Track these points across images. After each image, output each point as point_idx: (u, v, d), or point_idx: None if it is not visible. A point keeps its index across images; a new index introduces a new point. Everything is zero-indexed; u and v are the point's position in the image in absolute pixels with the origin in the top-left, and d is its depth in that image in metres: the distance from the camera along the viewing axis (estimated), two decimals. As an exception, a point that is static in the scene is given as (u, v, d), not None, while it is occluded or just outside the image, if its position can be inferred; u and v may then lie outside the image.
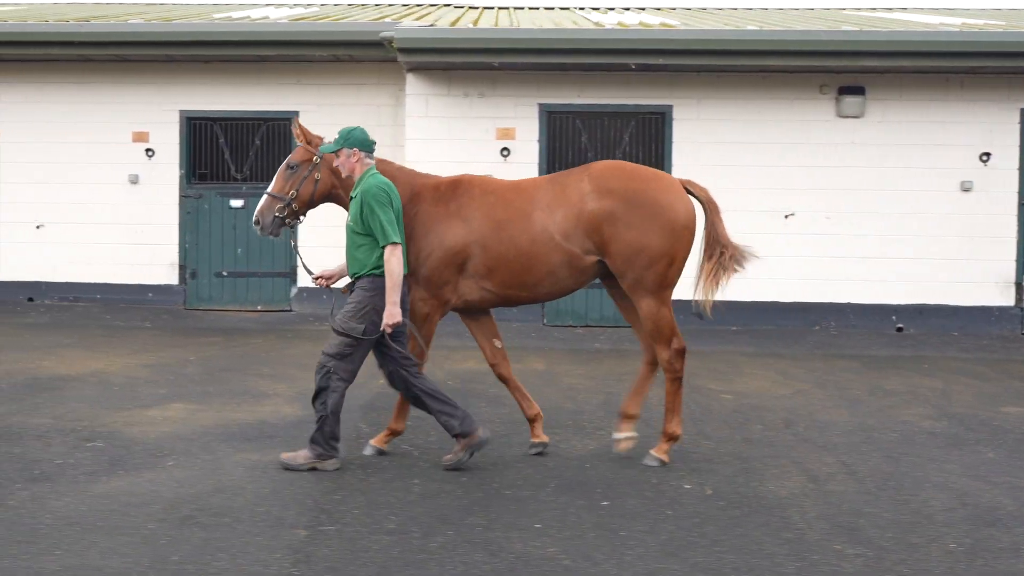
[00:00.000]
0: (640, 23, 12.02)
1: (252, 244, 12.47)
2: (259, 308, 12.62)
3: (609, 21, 12.61)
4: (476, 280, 5.91)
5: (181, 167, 12.63)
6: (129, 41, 11.86)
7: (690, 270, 6.02)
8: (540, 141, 11.53)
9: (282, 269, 12.54)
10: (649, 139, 11.59)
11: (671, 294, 5.90)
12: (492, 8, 15.93)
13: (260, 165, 12.63)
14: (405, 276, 5.62)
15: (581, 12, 15.25)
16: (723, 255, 6.01)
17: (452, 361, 9.53)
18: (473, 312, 6.18)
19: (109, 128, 12.61)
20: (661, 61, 10.64)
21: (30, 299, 12.75)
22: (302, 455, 5.68)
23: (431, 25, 11.12)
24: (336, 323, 5.62)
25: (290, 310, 12.64)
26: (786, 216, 11.42)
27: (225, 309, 12.63)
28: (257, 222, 5.98)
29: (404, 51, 10.64)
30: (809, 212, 11.43)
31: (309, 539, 4.53)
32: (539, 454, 6.12)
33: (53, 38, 11.77)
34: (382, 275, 5.55)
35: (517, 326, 11.45)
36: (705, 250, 6.06)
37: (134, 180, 12.58)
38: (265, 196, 5.99)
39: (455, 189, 6.00)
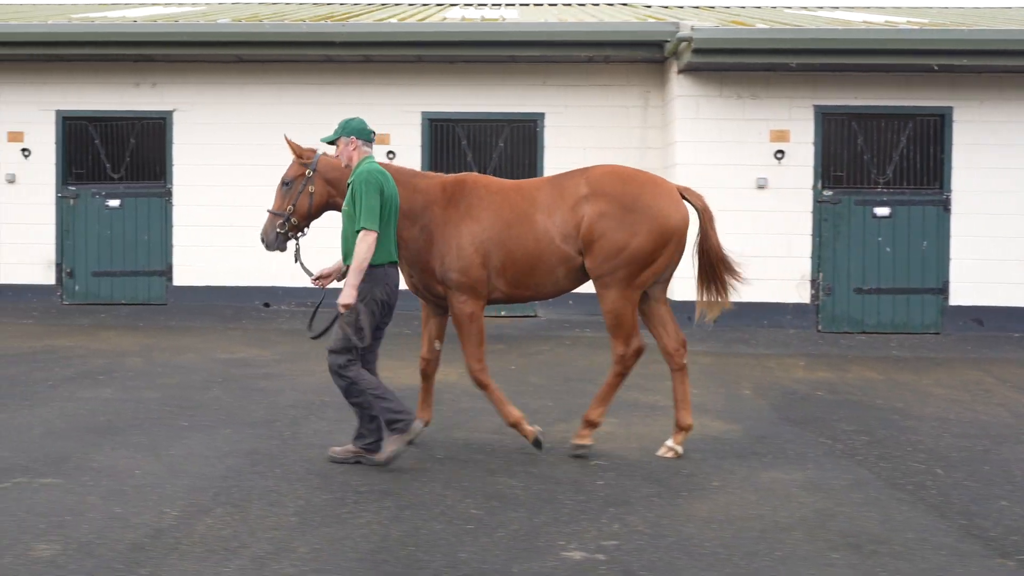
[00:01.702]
0: (929, 23, 11.77)
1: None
2: (503, 313, 12.38)
3: (876, 20, 12.37)
4: (491, 277, 5.97)
5: (423, 170, 12.36)
6: (383, 42, 11.62)
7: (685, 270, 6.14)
8: (815, 143, 11.28)
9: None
10: (927, 141, 11.34)
11: (638, 296, 5.95)
12: (723, 8, 15.71)
13: (504, 167, 12.38)
14: (384, 265, 5.60)
15: (823, 12, 15.00)
16: (718, 275, 6.13)
17: (764, 370, 9.29)
18: (441, 308, 6.23)
19: (351, 130, 12.34)
20: (966, 62, 10.41)
21: (266, 304, 12.51)
22: (392, 442, 5.57)
23: (721, 26, 10.87)
24: (338, 317, 5.60)
25: (535, 316, 12.40)
26: (1070, 220, 11.18)
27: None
28: (263, 239, 6.07)
29: (699, 52, 10.39)
30: (1094, 216, 11.19)
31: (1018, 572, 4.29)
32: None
33: (306, 39, 11.52)
34: (375, 264, 5.55)
35: (793, 332, 11.22)
36: (699, 261, 6.15)
37: (374, 183, 12.32)
38: (267, 214, 6.11)
39: (462, 189, 6.05)
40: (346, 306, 5.48)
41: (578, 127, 12.33)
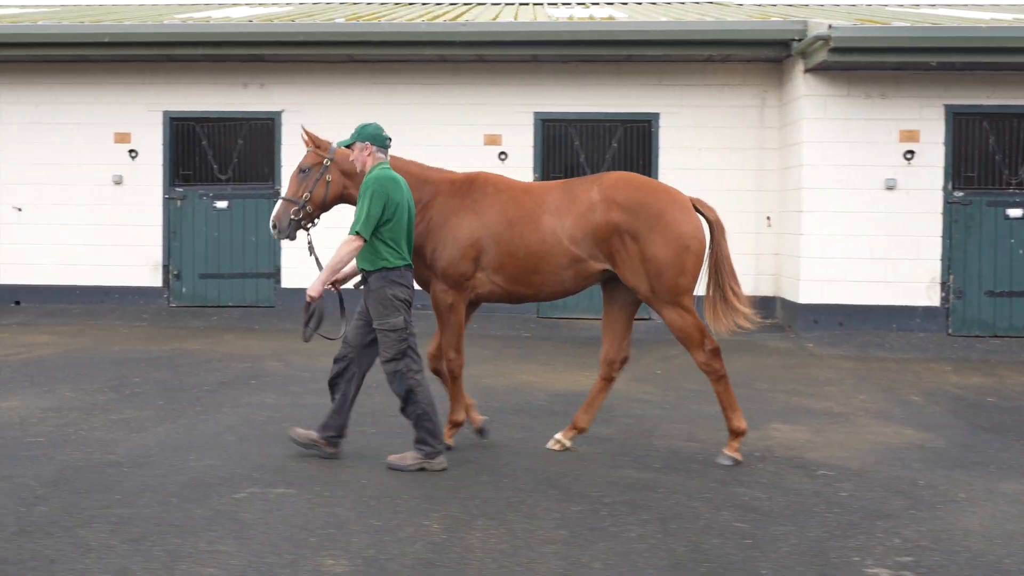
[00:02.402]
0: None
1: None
2: (616, 317, 12.18)
3: (1005, 18, 12.14)
4: (488, 274, 5.99)
5: (535, 171, 12.22)
6: (499, 41, 11.46)
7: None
8: (946, 144, 11.05)
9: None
10: (1061, 141, 11.12)
11: (691, 299, 5.90)
12: (818, 5, 15.48)
13: (617, 167, 12.19)
14: (400, 268, 5.59)
15: (923, 10, 14.77)
16: (725, 291, 6.05)
17: (915, 376, 9.08)
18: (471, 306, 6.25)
19: (463, 131, 12.21)
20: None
21: (374, 307, 12.36)
22: (410, 456, 5.64)
23: (862, 24, 10.66)
24: (376, 327, 5.61)
25: (648, 319, 12.21)
26: None
27: (580, 318, 12.23)
28: (274, 226, 5.98)
29: (837, 50, 10.18)
30: None
31: None
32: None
33: (424, 38, 11.37)
34: (391, 267, 5.55)
35: (923, 336, 10.99)
36: (709, 273, 6.09)
37: (485, 184, 12.17)
38: (280, 200, 6.05)
39: (471, 185, 6.09)
40: (312, 298, 5.56)
41: (693, 127, 12.15)
